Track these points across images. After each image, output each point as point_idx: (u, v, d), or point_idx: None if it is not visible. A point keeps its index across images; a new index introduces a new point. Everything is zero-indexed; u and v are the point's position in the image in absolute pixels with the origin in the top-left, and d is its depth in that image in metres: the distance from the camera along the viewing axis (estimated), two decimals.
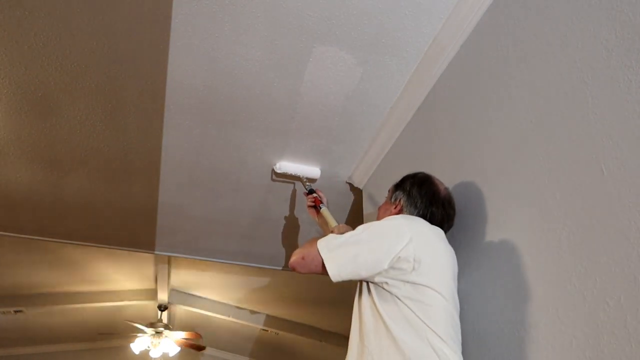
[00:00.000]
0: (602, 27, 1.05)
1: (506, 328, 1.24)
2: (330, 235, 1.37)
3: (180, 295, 5.63)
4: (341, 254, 1.28)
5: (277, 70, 1.87)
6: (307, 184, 2.30)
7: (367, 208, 2.46)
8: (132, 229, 3.17)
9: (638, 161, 0.92)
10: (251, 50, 1.78)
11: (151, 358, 5.76)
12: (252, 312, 5.68)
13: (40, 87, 1.97)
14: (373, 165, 2.36)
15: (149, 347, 5.56)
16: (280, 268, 3.67)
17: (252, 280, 4.84)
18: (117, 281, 5.30)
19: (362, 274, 1.26)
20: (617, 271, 0.93)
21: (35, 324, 5.87)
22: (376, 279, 1.25)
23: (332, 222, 1.97)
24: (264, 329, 5.90)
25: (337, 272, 1.27)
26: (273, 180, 2.56)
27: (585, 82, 1.08)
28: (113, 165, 2.50)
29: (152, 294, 5.62)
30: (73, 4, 1.61)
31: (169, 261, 4.67)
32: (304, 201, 2.31)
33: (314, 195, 2.15)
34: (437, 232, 1.35)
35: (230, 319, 5.71)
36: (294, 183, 2.59)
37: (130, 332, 5.70)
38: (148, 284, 5.48)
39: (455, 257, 1.35)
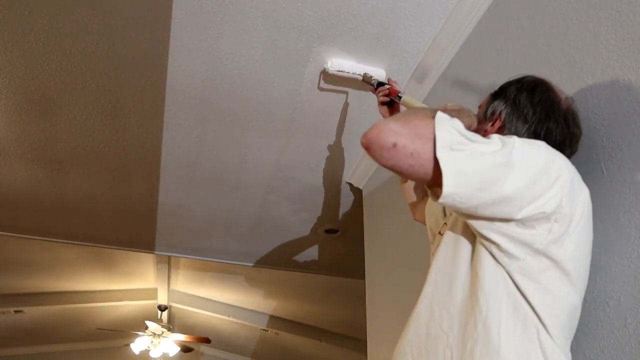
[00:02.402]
0: (602, 27, 1.05)
1: None
2: (456, 121, 0.82)
3: (180, 295, 5.63)
4: (472, 164, 0.77)
5: (277, 70, 1.87)
6: (373, 79, 1.68)
7: (367, 210, 2.47)
8: (132, 229, 3.18)
9: (638, 161, 0.92)
10: (251, 50, 1.78)
11: (151, 358, 5.76)
12: (252, 312, 5.68)
13: (40, 87, 1.97)
14: (373, 165, 2.36)
15: (148, 347, 5.57)
16: (280, 268, 3.68)
17: (251, 280, 4.84)
18: (117, 281, 5.30)
19: (480, 210, 0.79)
20: (617, 271, 0.93)
21: (35, 324, 5.87)
22: (485, 232, 0.82)
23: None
24: (264, 329, 5.90)
25: (454, 187, 0.76)
26: (320, 88, 1.97)
27: (585, 82, 1.08)
28: (113, 165, 2.50)
29: (152, 294, 5.62)
30: (73, 4, 1.61)
31: (169, 261, 4.67)
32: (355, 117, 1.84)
33: (386, 86, 1.53)
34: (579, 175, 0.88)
35: (230, 319, 5.71)
36: (346, 93, 2.02)
37: (129, 331, 5.70)
38: (148, 284, 5.48)
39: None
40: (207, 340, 5.44)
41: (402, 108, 1.43)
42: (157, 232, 3.19)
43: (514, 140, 0.82)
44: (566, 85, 1.14)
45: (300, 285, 4.66)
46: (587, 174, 1.04)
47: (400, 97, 1.45)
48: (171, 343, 5.56)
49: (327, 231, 3.09)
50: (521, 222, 0.79)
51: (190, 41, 1.75)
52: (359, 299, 2.67)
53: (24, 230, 3.18)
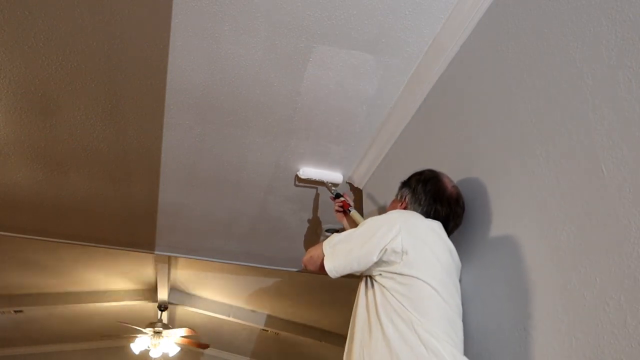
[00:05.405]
0: (602, 27, 1.05)
1: (508, 329, 1.24)
2: (335, 234, 1.42)
3: (180, 295, 5.63)
4: (338, 250, 1.36)
5: (277, 70, 1.87)
6: (333, 188, 2.32)
7: (367, 208, 2.46)
8: (132, 229, 3.17)
9: (638, 161, 0.92)
10: (251, 50, 1.78)
11: (151, 358, 5.76)
12: (252, 312, 5.68)
13: (40, 87, 1.97)
14: (373, 165, 2.36)
15: (149, 347, 5.57)
16: (280, 268, 3.67)
17: (252, 280, 4.84)
18: (117, 281, 5.30)
19: (355, 267, 1.31)
20: (617, 271, 0.93)
21: (35, 324, 5.87)
22: (372, 272, 1.30)
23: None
24: (264, 329, 5.90)
25: (332, 266, 1.34)
26: (296, 185, 2.61)
27: (585, 82, 1.08)
28: (113, 165, 2.50)
29: (152, 294, 5.62)
30: (73, 5, 1.61)
31: (169, 261, 4.67)
32: (325, 205, 2.48)
33: (342, 199, 2.17)
34: (433, 225, 1.35)
35: (230, 319, 5.71)
36: (316, 188, 2.67)
37: (129, 333, 5.70)
38: (148, 284, 5.48)
39: (454, 253, 1.35)
40: (194, 333, 5.40)
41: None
42: (157, 232, 3.19)
43: (369, 219, 1.39)
44: (566, 86, 1.14)
45: (301, 285, 4.67)
46: (587, 173, 1.04)
47: (349, 211, 2.10)
48: (171, 343, 5.56)
49: (327, 231, 3.09)
50: (381, 260, 1.27)
51: (190, 41, 1.75)
52: None
53: (24, 230, 3.18)
